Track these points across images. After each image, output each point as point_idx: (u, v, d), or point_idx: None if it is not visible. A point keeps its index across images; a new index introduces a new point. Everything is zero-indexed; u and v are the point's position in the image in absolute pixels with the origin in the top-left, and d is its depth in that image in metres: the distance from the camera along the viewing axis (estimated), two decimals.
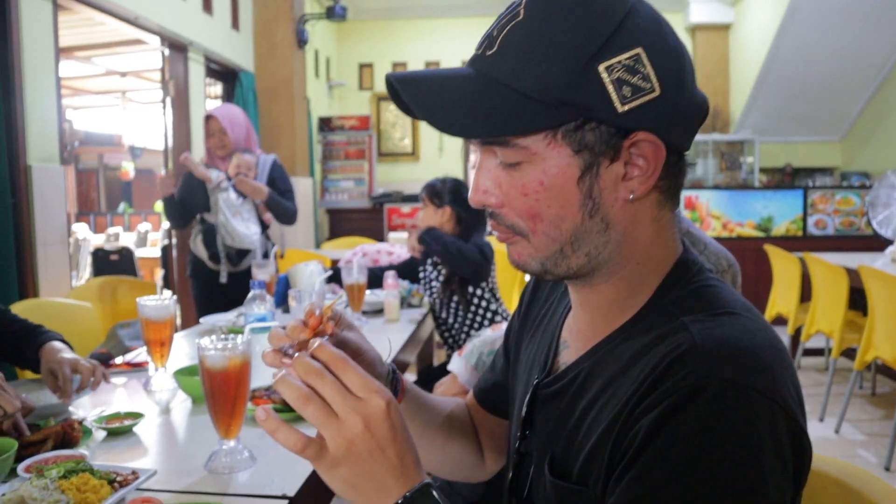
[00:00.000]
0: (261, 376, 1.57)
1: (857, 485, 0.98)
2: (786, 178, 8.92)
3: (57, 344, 1.74)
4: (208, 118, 3.69)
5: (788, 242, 5.96)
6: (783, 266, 4.85)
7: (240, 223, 3.60)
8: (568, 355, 0.86)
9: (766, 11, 8.01)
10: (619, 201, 0.73)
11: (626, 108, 0.69)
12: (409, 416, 0.98)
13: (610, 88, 0.68)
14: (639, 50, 0.69)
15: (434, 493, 0.67)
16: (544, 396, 0.85)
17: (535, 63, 0.69)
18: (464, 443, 1.08)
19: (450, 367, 2.26)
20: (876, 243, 5.63)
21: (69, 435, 1.37)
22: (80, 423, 1.44)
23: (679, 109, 0.72)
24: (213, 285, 3.60)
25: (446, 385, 2.16)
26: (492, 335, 2.27)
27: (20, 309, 2.62)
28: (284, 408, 1.56)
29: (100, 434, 1.48)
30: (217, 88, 6.17)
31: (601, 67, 0.68)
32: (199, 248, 3.69)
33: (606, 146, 0.71)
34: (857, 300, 4.09)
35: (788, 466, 0.64)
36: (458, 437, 1.08)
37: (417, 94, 0.72)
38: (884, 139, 8.30)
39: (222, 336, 1.28)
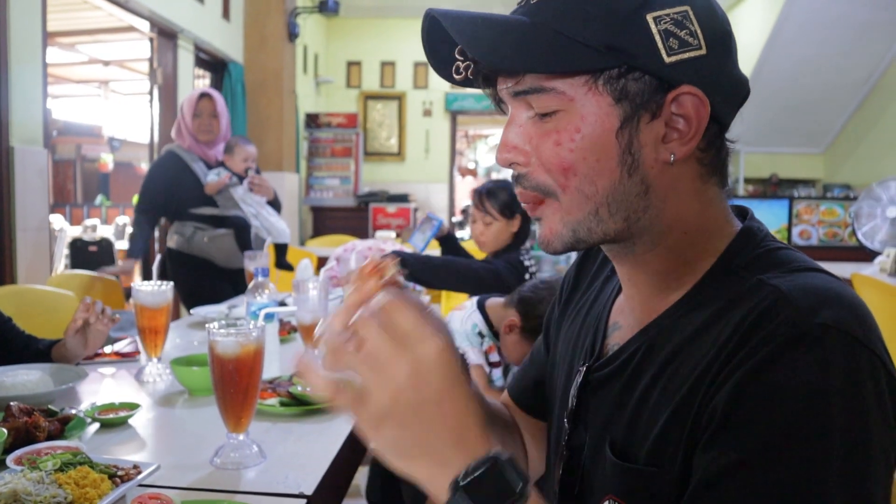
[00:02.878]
0: (265, 368, 1.49)
1: None
2: (771, 189, 8.97)
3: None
4: (202, 96, 3.44)
5: None
6: None
7: (274, 218, 3.51)
8: (620, 336, 0.80)
9: (754, 24, 8.05)
10: (659, 163, 0.70)
11: (673, 59, 0.66)
12: None
13: (657, 38, 0.66)
14: (687, 7, 0.67)
15: (505, 470, 0.55)
16: (596, 382, 0.80)
17: (582, 6, 0.67)
18: (513, 445, 1.00)
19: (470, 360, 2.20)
20: (860, 254, 5.66)
21: (31, 433, 1.23)
22: (66, 417, 1.35)
23: (723, 75, 0.70)
24: (193, 283, 3.44)
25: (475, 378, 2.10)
26: (459, 314, 2.21)
27: None
28: (290, 401, 1.48)
29: (93, 426, 1.39)
30: (205, 81, 6.05)
31: (649, 17, 0.66)
32: (211, 246, 3.42)
33: (649, 98, 0.68)
34: None
35: (891, 424, 0.61)
36: (508, 440, 0.99)
37: (461, 26, 0.68)
38: (866, 152, 8.38)
39: (233, 322, 1.20)
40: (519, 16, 0.70)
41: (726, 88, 0.70)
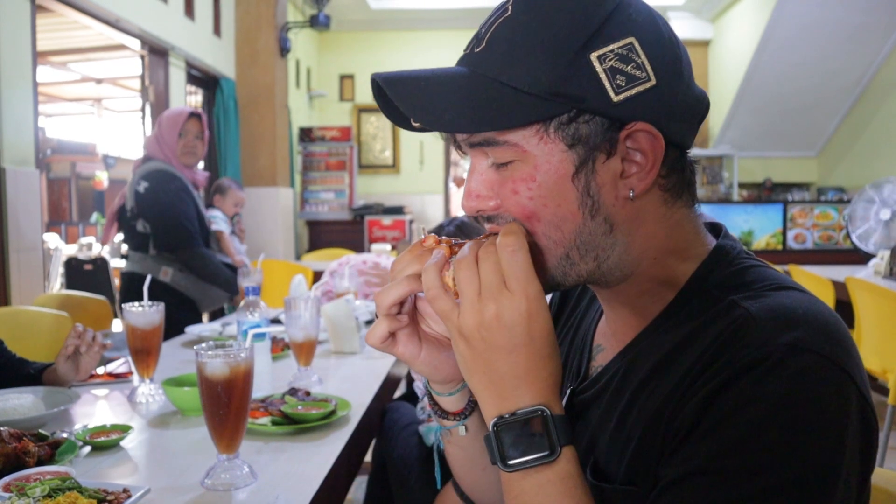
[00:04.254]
0: (256, 387, 1.48)
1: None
2: (765, 193, 8.99)
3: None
4: (192, 115, 3.26)
5: (769, 256, 5.96)
6: None
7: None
8: (603, 357, 0.82)
9: (745, 29, 8.09)
10: (620, 200, 0.69)
11: (621, 97, 0.66)
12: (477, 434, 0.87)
13: (603, 77, 0.65)
14: (631, 39, 0.66)
15: (547, 425, 0.64)
16: (580, 404, 0.81)
17: (523, 55, 0.66)
18: None
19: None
20: (855, 257, 5.66)
21: (20, 459, 1.22)
22: (57, 441, 1.34)
23: (677, 101, 0.69)
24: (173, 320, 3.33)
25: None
26: None
27: None
28: (282, 420, 1.47)
29: (84, 449, 1.38)
30: (198, 97, 6.06)
31: (593, 56, 0.65)
32: (200, 288, 3.17)
33: (602, 139, 0.67)
34: (841, 313, 4.08)
35: (856, 448, 0.61)
36: None
37: (403, 91, 0.69)
38: (859, 155, 8.40)
39: (221, 342, 1.20)
40: (463, 67, 0.70)
41: (681, 112, 0.70)
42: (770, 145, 9.06)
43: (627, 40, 0.66)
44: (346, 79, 9.10)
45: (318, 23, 6.72)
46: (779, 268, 4.14)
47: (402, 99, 0.68)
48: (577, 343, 0.88)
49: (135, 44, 4.83)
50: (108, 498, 1.10)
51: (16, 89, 3.35)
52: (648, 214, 0.71)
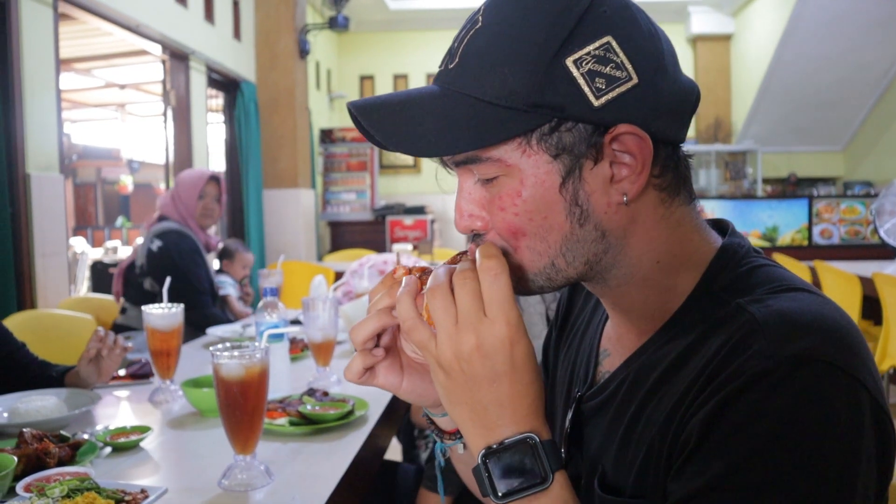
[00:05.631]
0: (274, 388, 1.49)
1: None
2: (790, 188, 8.88)
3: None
4: (211, 179, 3.29)
5: (794, 252, 5.89)
6: None
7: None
8: (610, 363, 0.79)
9: (767, 22, 8.00)
10: (613, 205, 0.67)
11: (603, 100, 0.63)
12: None
13: (581, 82, 0.63)
14: (608, 38, 0.63)
15: (536, 453, 0.62)
16: (589, 410, 0.79)
17: (497, 68, 0.64)
18: None
19: None
20: (883, 252, 5.58)
21: (42, 460, 1.24)
22: (78, 442, 1.36)
23: (662, 97, 0.66)
24: None
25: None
26: None
27: (19, 320, 2.54)
28: (300, 421, 1.48)
29: (105, 450, 1.39)
30: (219, 101, 6.11)
31: (569, 62, 0.63)
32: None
33: (587, 145, 0.64)
34: (868, 309, 4.02)
35: (872, 456, 0.58)
36: None
37: (378, 119, 0.67)
38: (886, 148, 8.27)
39: (237, 344, 1.20)
40: (437, 86, 0.68)
41: (669, 107, 0.67)
42: (794, 140, 8.95)
43: (604, 40, 0.63)
44: (366, 79, 9.13)
45: (336, 24, 6.74)
46: (804, 264, 4.09)
47: (378, 127, 0.66)
48: (584, 347, 0.86)
49: (156, 49, 4.88)
50: (126, 498, 1.11)
51: (40, 96, 3.40)
52: (646, 216, 0.69)
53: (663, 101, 0.66)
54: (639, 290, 0.72)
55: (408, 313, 0.65)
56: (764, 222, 6.35)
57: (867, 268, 4.37)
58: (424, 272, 0.70)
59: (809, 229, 6.30)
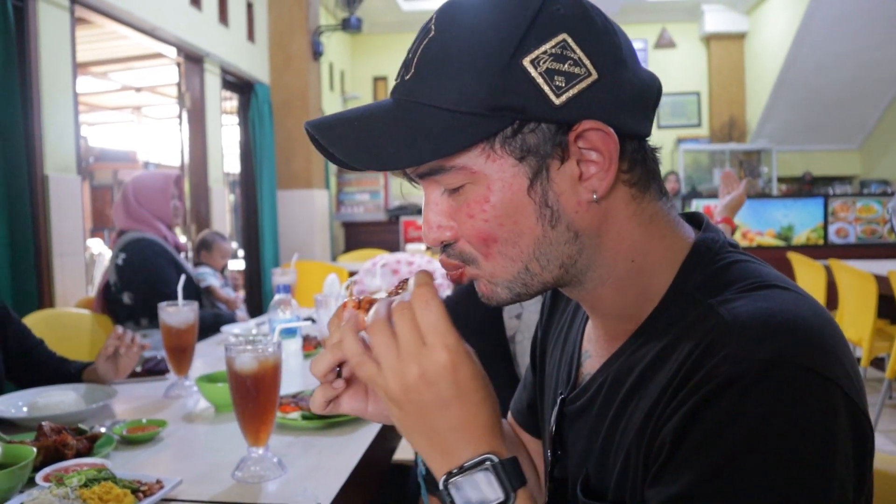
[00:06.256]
0: (288, 383, 1.51)
1: None
2: (805, 187, 8.83)
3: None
4: (178, 178, 3.23)
5: (810, 251, 5.85)
6: (807, 274, 4.76)
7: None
8: (591, 365, 0.79)
9: (781, 20, 7.96)
10: (584, 204, 0.66)
11: (564, 98, 0.62)
12: None
13: (540, 81, 0.62)
14: (563, 36, 0.63)
15: (497, 473, 0.61)
16: (572, 413, 0.78)
17: (453, 75, 0.63)
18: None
19: None
20: None
21: (60, 451, 1.28)
22: (95, 435, 1.39)
23: (624, 90, 0.65)
24: None
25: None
26: None
27: (37, 318, 2.58)
28: (312, 415, 1.50)
29: (121, 443, 1.42)
30: (233, 102, 6.16)
31: (526, 62, 0.62)
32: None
33: (552, 145, 0.64)
34: (885, 308, 3.99)
35: (849, 457, 0.57)
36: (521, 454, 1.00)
37: (336, 136, 0.66)
38: None
39: (250, 338, 1.23)
40: (395, 98, 0.67)
41: (631, 101, 0.66)
42: (809, 139, 8.90)
43: (559, 38, 0.63)
44: (379, 81, 9.17)
45: (349, 26, 6.77)
46: (819, 263, 4.06)
47: (336, 145, 0.66)
48: (567, 348, 0.86)
49: (171, 52, 4.92)
50: (142, 488, 1.13)
51: (57, 99, 3.44)
52: (618, 213, 0.68)
53: (625, 94, 0.65)
54: (615, 292, 0.71)
55: (352, 350, 0.64)
56: (779, 221, 6.31)
57: (883, 267, 4.34)
58: (373, 304, 0.69)
59: (825, 228, 6.26)
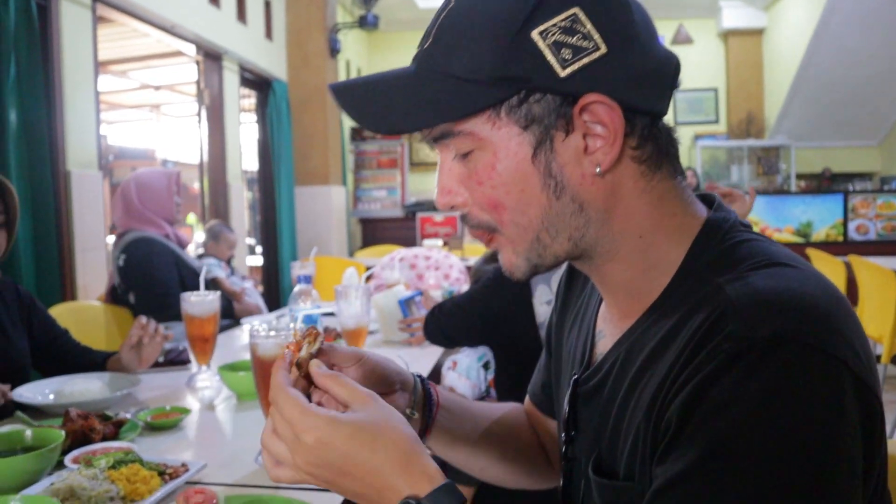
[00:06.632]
0: None
1: None
2: (824, 183, 8.75)
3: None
4: (178, 175, 3.24)
5: (829, 248, 5.80)
6: (827, 271, 4.72)
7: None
8: (604, 345, 0.79)
9: (800, 15, 7.89)
10: (588, 177, 0.67)
11: (569, 70, 0.64)
12: (449, 427, 0.93)
13: (547, 53, 0.64)
14: (575, 10, 0.64)
15: None
16: (585, 393, 0.79)
17: (466, 44, 0.66)
18: (523, 449, 1.02)
19: (446, 379, 2.21)
20: None
21: (87, 435, 1.31)
22: (120, 421, 1.41)
23: (634, 66, 0.66)
24: None
25: None
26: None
27: (60, 311, 2.62)
28: None
29: (145, 430, 1.45)
30: (251, 100, 6.20)
31: (535, 34, 0.64)
32: None
33: (556, 116, 0.65)
34: None
35: (857, 435, 0.56)
36: (514, 444, 1.01)
37: (352, 98, 0.70)
38: None
39: (273, 326, 1.24)
40: (415, 66, 0.70)
41: (642, 77, 0.66)
42: (828, 135, 8.81)
43: (570, 11, 0.64)
44: None
45: (366, 23, 6.79)
46: (839, 259, 4.03)
47: (351, 106, 0.69)
48: (582, 330, 0.86)
49: (190, 49, 4.97)
50: (168, 471, 1.15)
51: (79, 96, 3.49)
52: (625, 189, 0.69)
53: (635, 70, 0.66)
54: (624, 268, 0.72)
55: (267, 441, 0.69)
56: (798, 218, 6.27)
57: None
58: (313, 337, 0.76)
59: (845, 225, 6.21)
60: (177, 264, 3.00)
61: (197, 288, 3.10)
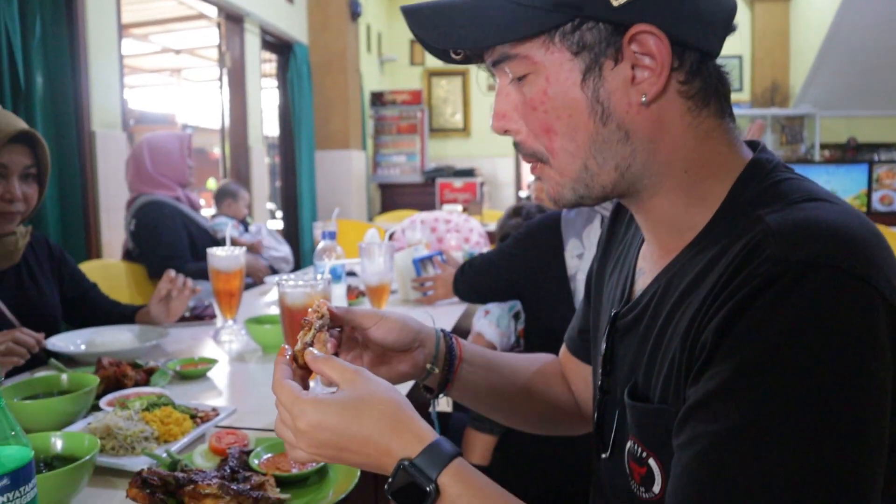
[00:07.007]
0: None
1: None
2: (849, 153, 8.63)
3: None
4: (189, 137, 3.24)
5: None
6: None
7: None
8: (643, 281, 0.82)
9: None
10: (634, 106, 0.70)
11: (621, 0, 0.66)
12: (472, 380, 0.97)
13: None
14: None
15: (413, 475, 0.68)
16: (623, 327, 0.81)
17: None
18: (551, 397, 1.05)
19: (476, 325, 2.23)
20: None
21: (120, 381, 1.36)
22: (151, 369, 1.45)
23: (686, 2, 0.68)
24: None
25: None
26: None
27: (86, 269, 2.67)
28: None
29: (174, 379, 1.48)
30: (272, 64, 6.19)
31: None
32: None
33: (606, 44, 0.68)
34: None
35: (889, 362, 0.57)
36: (542, 393, 1.04)
37: (421, 17, 0.73)
38: None
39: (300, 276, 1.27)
40: None
41: (694, 13, 0.68)
42: (855, 104, 8.66)
43: None
44: (416, 43, 9.10)
45: None
46: None
47: (419, 24, 0.73)
48: (623, 271, 0.89)
49: (212, 11, 4.96)
50: (199, 415, 1.19)
51: (103, 58, 3.51)
52: (671, 122, 0.71)
53: (687, 6, 0.68)
54: (668, 203, 0.74)
55: (277, 429, 0.76)
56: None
57: None
58: (308, 327, 0.83)
59: (868, 195, 6.13)
60: (187, 226, 3.03)
61: (206, 248, 3.16)
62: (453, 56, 0.78)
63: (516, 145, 0.77)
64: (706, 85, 0.71)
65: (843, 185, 6.18)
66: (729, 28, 0.73)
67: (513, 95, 0.74)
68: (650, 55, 0.68)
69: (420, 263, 2.38)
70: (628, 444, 0.76)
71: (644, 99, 0.69)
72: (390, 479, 0.69)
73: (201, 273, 2.77)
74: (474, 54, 0.77)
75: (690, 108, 0.71)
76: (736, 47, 9.11)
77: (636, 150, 0.71)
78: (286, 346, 0.82)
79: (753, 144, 0.77)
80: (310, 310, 0.85)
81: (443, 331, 0.97)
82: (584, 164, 0.72)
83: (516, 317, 2.19)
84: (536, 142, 0.74)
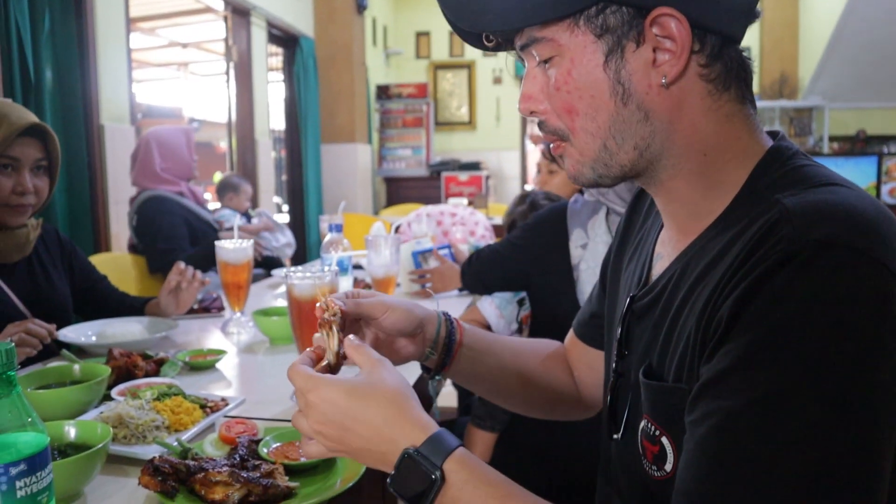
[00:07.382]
0: None
1: None
2: (858, 145, 8.59)
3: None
4: (192, 131, 3.29)
5: None
6: None
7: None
8: (661, 265, 0.83)
9: None
10: (654, 87, 0.71)
11: None
12: (470, 364, 1.00)
13: None
14: None
15: (418, 462, 0.69)
16: (639, 310, 0.83)
17: None
18: (551, 382, 1.07)
19: (479, 303, 2.24)
20: None
21: (131, 371, 1.38)
22: (161, 359, 1.46)
23: None
24: None
25: (463, 317, 2.15)
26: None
27: (94, 261, 2.69)
28: None
29: (184, 370, 1.50)
30: (278, 57, 6.20)
31: None
32: None
33: (629, 27, 0.70)
34: None
35: None
36: (542, 377, 1.06)
37: (453, 2, 0.76)
38: None
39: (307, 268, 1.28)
40: None
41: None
42: (864, 96, 8.62)
43: None
44: (421, 36, 9.11)
45: None
46: None
47: (450, 8, 0.76)
48: (642, 255, 0.90)
49: (219, 4, 4.97)
50: (209, 404, 1.20)
51: (111, 51, 3.52)
52: (691, 105, 0.72)
53: None
54: (687, 186, 0.76)
55: (294, 420, 0.79)
56: None
57: None
58: (329, 326, 0.85)
59: (878, 188, 6.10)
60: (189, 220, 3.05)
61: (213, 234, 3.18)
62: (486, 43, 0.80)
63: (540, 125, 0.79)
64: (727, 69, 0.73)
65: (852, 177, 6.03)
66: (752, 14, 0.74)
67: (539, 78, 0.77)
68: (671, 38, 0.69)
69: (419, 256, 2.40)
70: (641, 424, 0.78)
71: (664, 80, 0.71)
72: (395, 468, 0.70)
73: (201, 259, 2.76)
74: (506, 40, 0.79)
75: (710, 91, 0.73)
76: (745, 38, 9.06)
77: (655, 131, 0.73)
78: (309, 350, 0.86)
79: (773, 133, 0.79)
80: (317, 304, 0.86)
81: (445, 315, 0.99)
82: (604, 144, 0.74)
83: (520, 303, 2.20)
84: (559, 121, 0.76)
